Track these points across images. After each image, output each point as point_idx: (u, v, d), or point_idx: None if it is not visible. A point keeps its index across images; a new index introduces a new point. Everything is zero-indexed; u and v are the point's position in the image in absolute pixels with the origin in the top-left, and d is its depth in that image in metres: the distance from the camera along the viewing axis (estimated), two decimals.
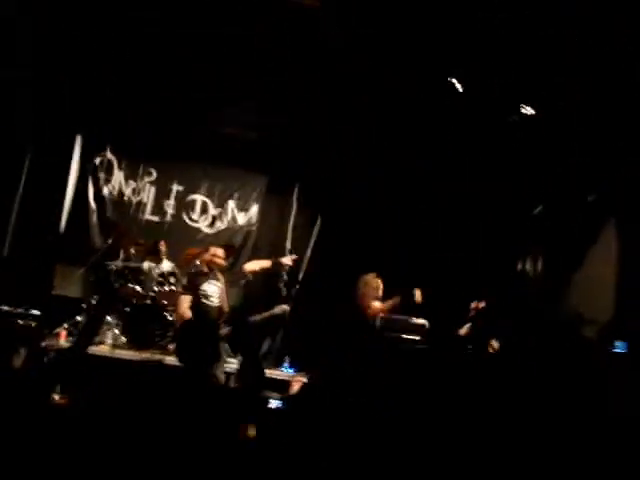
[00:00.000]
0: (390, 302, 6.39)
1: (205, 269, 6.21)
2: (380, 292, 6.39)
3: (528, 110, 6.78)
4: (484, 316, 6.92)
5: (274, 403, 4.04)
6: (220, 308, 6.11)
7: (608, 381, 3.94)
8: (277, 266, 6.83)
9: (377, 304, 6.34)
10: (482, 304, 6.98)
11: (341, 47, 6.35)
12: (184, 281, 6.86)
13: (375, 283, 6.35)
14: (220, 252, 6.33)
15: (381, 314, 6.47)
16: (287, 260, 6.94)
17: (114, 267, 7.59)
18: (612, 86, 6.17)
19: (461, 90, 6.60)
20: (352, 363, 4.56)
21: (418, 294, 6.45)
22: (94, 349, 6.70)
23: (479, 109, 7.01)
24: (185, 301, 5.91)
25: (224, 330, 6.37)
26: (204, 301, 5.95)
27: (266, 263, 6.77)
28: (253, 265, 6.77)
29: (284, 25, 6.33)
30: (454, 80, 6.54)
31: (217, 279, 6.15)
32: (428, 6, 5.60)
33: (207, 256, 6.27)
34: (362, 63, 6.65)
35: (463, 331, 6.86)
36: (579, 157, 7.45)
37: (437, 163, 8.22)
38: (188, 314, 5.81)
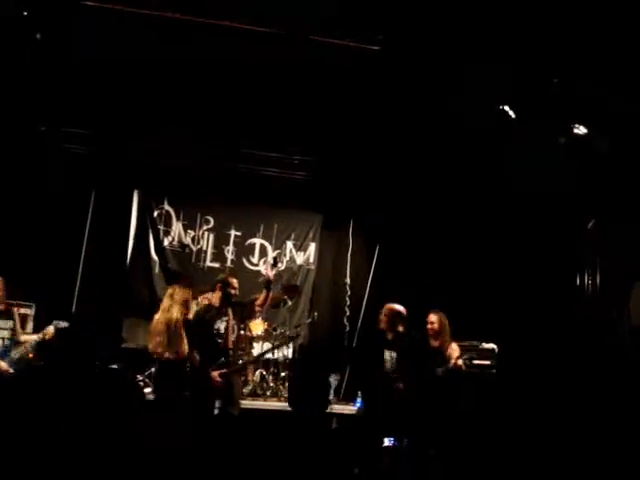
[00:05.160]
0: None
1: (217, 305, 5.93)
2: None
3: (581, 130, 6.86)
4: None
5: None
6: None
7: None
8: None
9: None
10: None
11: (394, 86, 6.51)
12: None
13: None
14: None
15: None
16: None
17: None
18: None
19: (514, 116, 6.72)
20: None
21: None
22: None
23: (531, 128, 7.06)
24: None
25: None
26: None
27: None
28: None
29: (336, 69, 6.51)
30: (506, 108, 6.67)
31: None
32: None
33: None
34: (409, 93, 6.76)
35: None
36: (624, 166, 7.49)
37: (489, 183, 8.27)
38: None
